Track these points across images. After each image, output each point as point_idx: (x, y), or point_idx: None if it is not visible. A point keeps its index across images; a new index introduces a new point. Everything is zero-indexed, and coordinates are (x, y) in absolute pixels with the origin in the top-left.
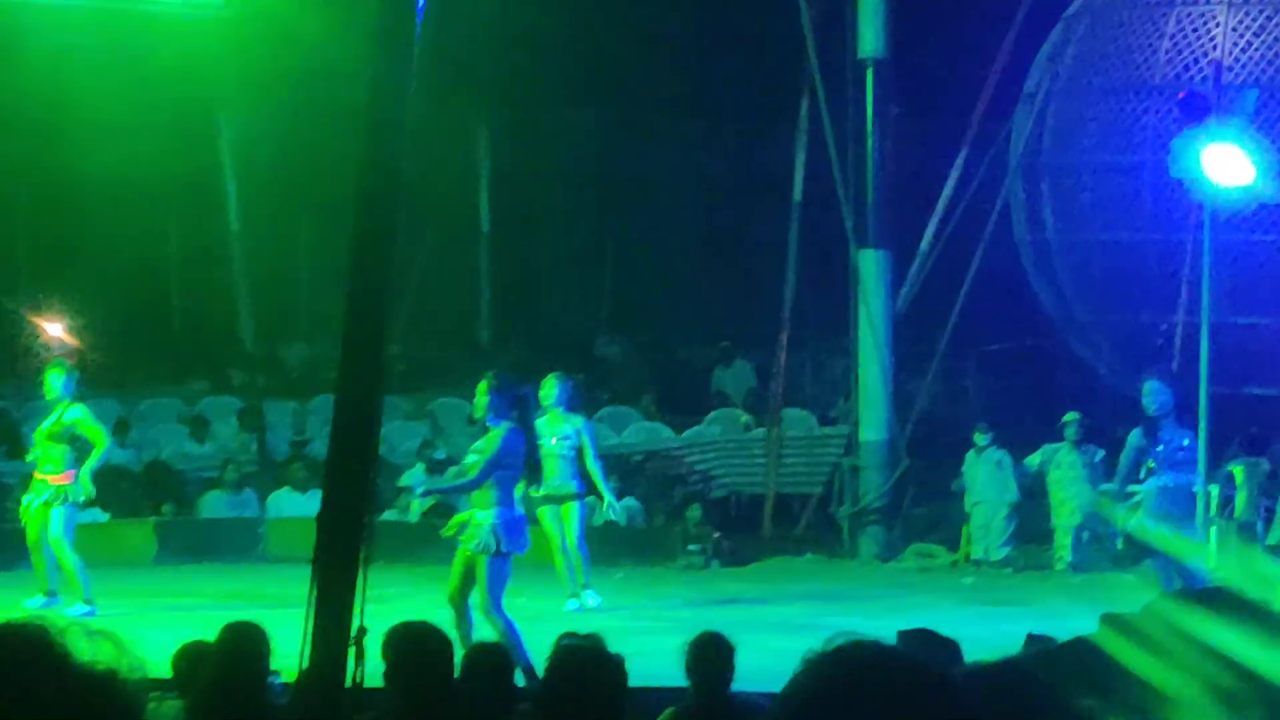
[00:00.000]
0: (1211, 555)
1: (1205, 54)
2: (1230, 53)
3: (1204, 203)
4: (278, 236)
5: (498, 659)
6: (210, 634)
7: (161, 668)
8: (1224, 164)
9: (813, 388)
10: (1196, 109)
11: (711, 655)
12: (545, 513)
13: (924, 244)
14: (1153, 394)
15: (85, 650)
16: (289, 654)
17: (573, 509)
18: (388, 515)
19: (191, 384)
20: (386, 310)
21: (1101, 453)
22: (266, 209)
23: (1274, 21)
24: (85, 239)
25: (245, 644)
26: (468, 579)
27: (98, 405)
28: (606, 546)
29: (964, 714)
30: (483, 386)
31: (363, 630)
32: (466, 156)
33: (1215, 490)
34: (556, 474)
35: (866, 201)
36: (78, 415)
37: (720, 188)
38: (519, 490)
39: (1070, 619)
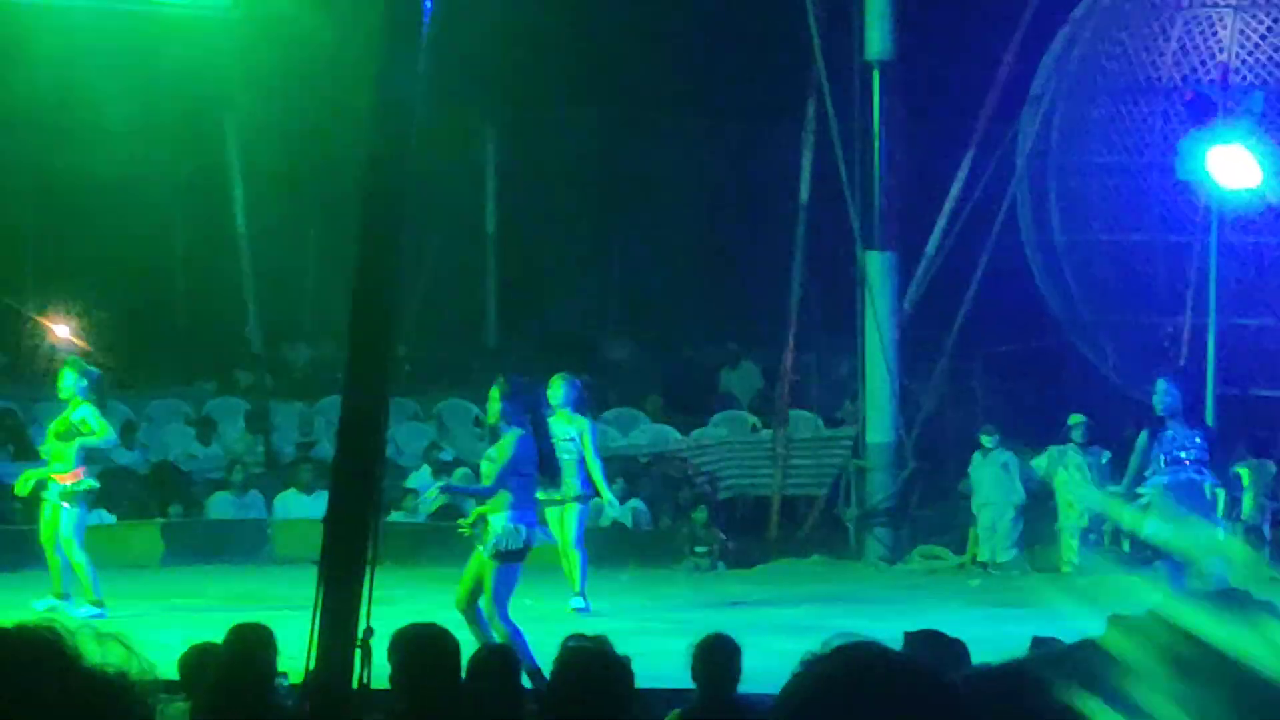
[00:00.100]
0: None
1: (1212, 56)
2: (1237, 55)
3: (1211, 204)
4: (284, 237)
5: (504, 660)
6: (217, 635)
7: (168, 669)
8: (1230, 166)
9: (819, 389)
10: (1203, 111)
11: (717, 657)
12: (549, 514)
13: (930, 246)
14: (1160, 393)
15: (95, 653)
16: (296, 655)
17: (573, 510)
18: (394, 517)
19: (198, 385)
20: (393, 311)
21: (1108, 454)
22: (273, 210)
23: None
24: (91, 240)
25: (252, 645)
26: (477, 585)
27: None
28: (613, 548)
29: (962, 717)
30: (495, 392)
31: (369, 632)
32: (473, 157)
33: (1222, 493)
34: (560, 475)
35: (873, 203)
36: (84, 414)
37: (727, 189)
38: (540, 494)
39: (1077, 621)
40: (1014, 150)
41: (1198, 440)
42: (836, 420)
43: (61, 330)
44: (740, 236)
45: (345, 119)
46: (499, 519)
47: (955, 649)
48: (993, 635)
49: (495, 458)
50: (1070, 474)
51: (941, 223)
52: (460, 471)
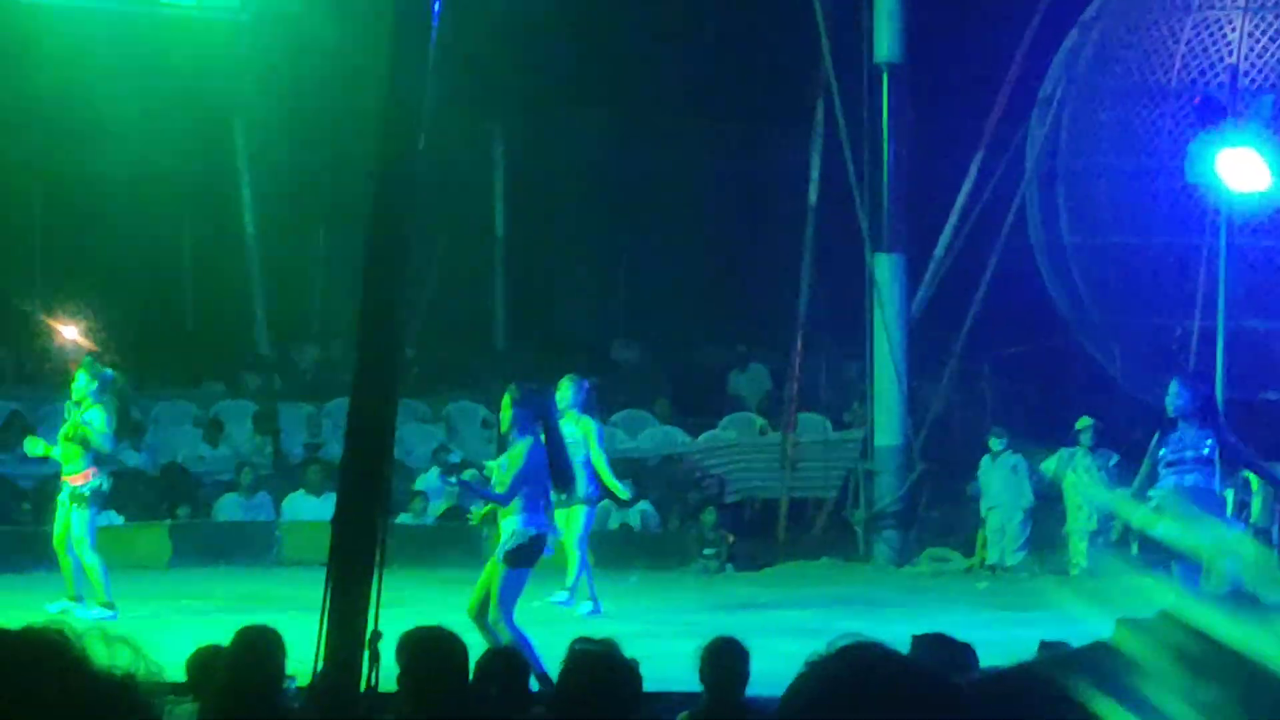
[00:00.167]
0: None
1: (1221, 59)
2: (1246, 57)
3: (1220, 207)
4: (292, 239)
5: (512, 663)
6: (225, 637)
7: (176, 671)
8: (1239, 169)
9: (828, 392)
10: (1213, 113)
11: (725, 660)
12: (557, 515)
13: (939, 248)
14: (1171, 395)
15: (103, 655)
16: (304, 658)
17: (580, 511)
18: (402, 518)
19: (206, 387)
20: (401, 314)
21: (1116, 457)
22: (281, 212)
23: None
24: (100, 242)
25: (260, 647)
26: (488, 594)
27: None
28: (621, 550)
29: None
30: (506, 400)
31: (377, 634)
32: (481, 160)
33: (1230, 494)
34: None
35: (881, 205)
36: (91, 416)
37: (736, 191)
38: (556, 499)
39: (1086, 624)
40: (1023, 152)
41: (1209, 442)
42: (845, 423)
43: (70, 331)
44: (749, 239)
45: (353, 121)
46: (509, 523)
47: (963, 652)
48: (1001, 638)
49: (507, 466)
50: (1079, 476)
51: (950, 225)
52: (469, 473)
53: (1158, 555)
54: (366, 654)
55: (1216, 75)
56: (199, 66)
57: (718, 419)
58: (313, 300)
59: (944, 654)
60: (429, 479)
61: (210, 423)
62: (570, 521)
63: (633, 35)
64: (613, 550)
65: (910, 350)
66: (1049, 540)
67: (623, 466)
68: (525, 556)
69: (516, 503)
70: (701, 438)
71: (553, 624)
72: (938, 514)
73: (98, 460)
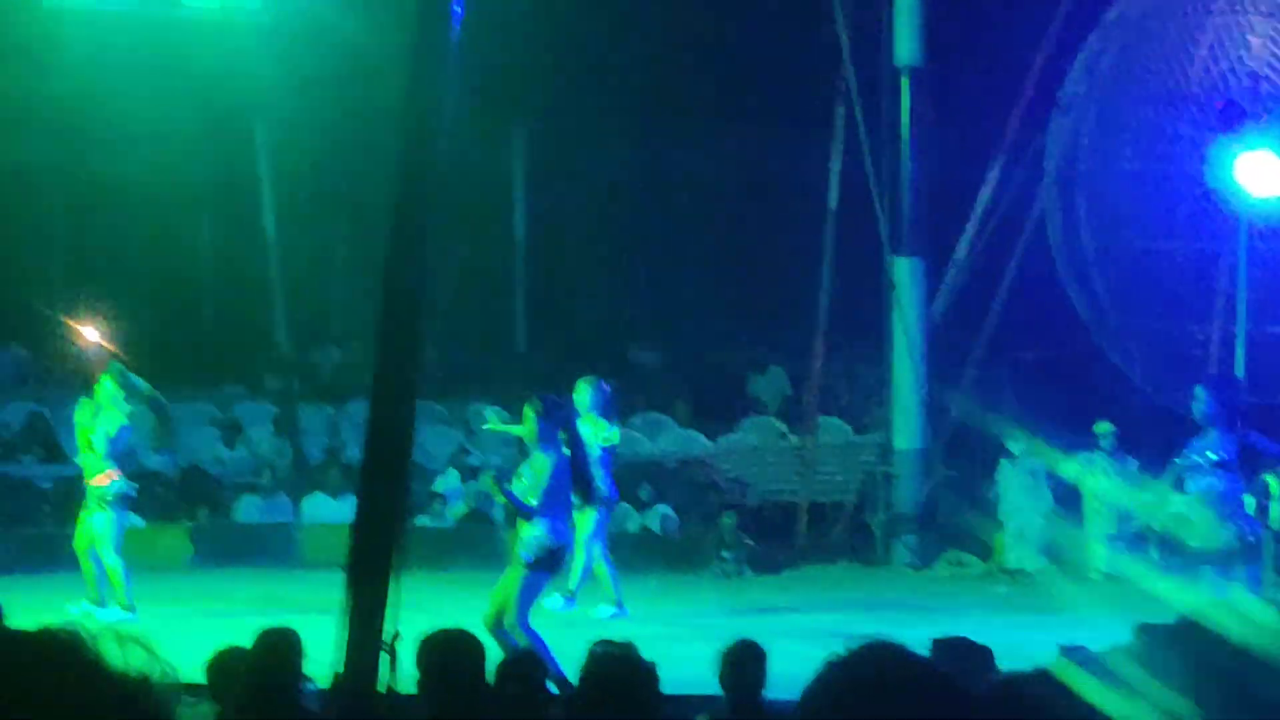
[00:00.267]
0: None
1: (1242, 63)
2: (1267, 62)
3: (1240, 212)
4: (313, 241)
5: (530, 666)
6: (244, 639)
7: (195, 673)
8: (1259, 173)
9: (847, 396)
10: (1233, 118)
11: (744, 663)
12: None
13: (959, 252)
14: (1196, 400)
15: (117, 656)
16: (323, 660)
17: (591, 513)
18: (422, 521)
19: (226, 389)
20: (421, 316)
21: (1135, 462)
22: (302, 213)
23: None
24: (121, 243)
25: (279, 650)
26: (507, 602)
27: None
28: (640, 554)
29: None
30: (529, 413)
31: (396, 636)
32: (502, 162)
33: (1250, 499)
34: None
35: (902, 209)
36: (109, 419)
37: (755, 194)
38: (585, 521)
39: (1104, 628)
40: (1043, 156)
41: (1231, 447)
42: (864, 426)
43: (90, 333)
44: (769, 242)
45: (375, 123)
46: (531, 529)
47: (982, 656)
48: (1020, 642)
49: (532, 481)
50: (1099, 479)
51: (970, 229)
52: (484, 477)
53: (1178, 559)
54: (385, 656)
55: (1238, 80)
56: (219, 68)
57: (737, 422)
58: (333, 302)
59: (963, 658)
60: (448, 481)
61: (227, 425)
62: (581, 521)
63: (653, 39)
64: (632, 553)
65: (930, 354)
66: (1068, 544)
67: (642, 470)
68: (546, 564)
69: (537, 515)
70: (721, 441)
71: (571, 627)
72: (957, 518)
73: (120, 462)
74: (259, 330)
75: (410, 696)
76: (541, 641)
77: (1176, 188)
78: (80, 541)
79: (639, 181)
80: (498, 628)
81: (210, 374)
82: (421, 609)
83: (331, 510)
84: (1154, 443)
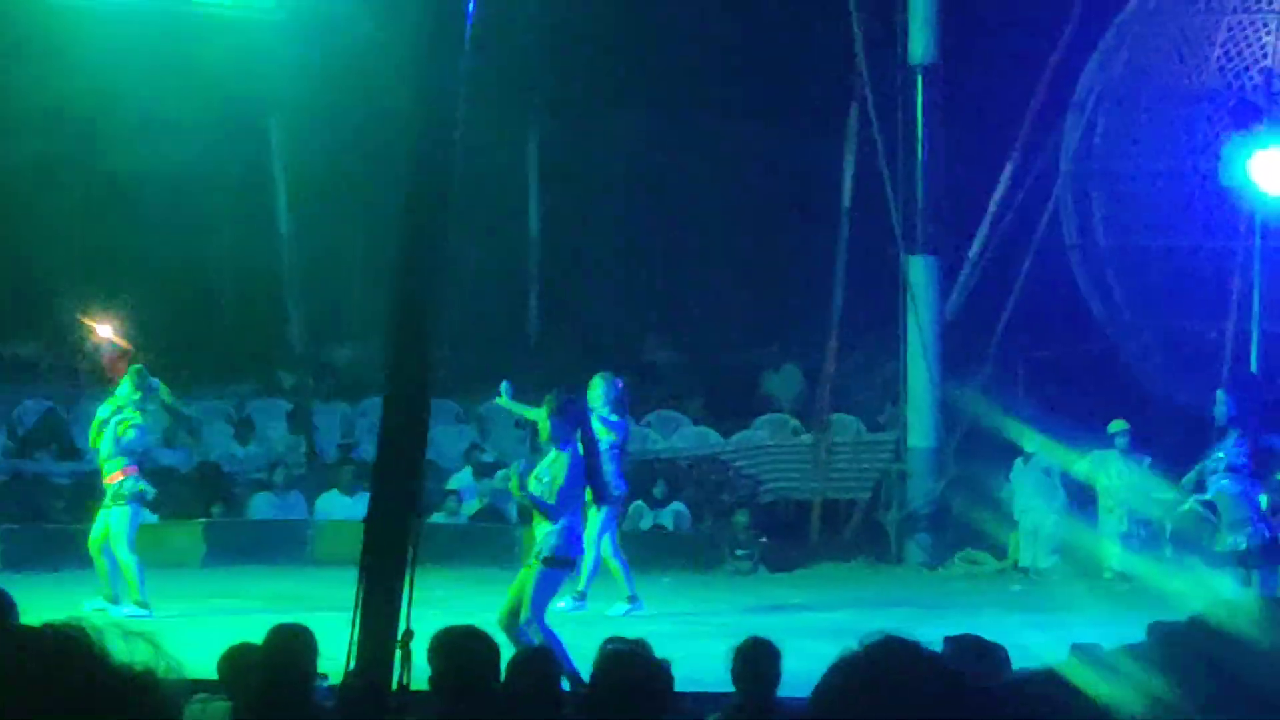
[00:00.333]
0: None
1: (1256, 61)
2: None
3: (1254, 209)
4: (327, 238)
5: (543, 663)
6: (257, 636)
7: (209, 669)
8: (1273, 171)
9: (861, 393)
10: (1248, 116)
11: (757, 660)
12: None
13: (973, 250)
14: (1217, 404)
15: (122, 651)
16: (336, 657)
17: (599, 510)
18: (435, 518)
19: (240, 385)
20: (434, 313)
21: (1149, 459)
22: (316, 211)
23: None
24: (136, 240)
25: (292, 646)
26: (520, 601)
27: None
28: (654, 551)
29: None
30: (543, 412)
31: (409, 634)
32: (516, 159)
33: (1265, 500)
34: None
35: (915, 207)
36: (123, 418)
37: (770, 192)
38: (593, 520)
39: (1117, 627)
40: (1057, 154)
41: (1245, 448)
42: (878, 424)
43: (104, 329)
44: (783, 240)
45: (388, 120)
46: (545, 526)
47: (995, 654)
48: (1033, 641)
49: (549, 480)
50: (1112, 480)
51: (984, 227)
52: (501, 472)
53: (1191, 558)
54: (399, 653)
55: (1252, 78)
56: (234, 65)
57: (751, 420)
58: (348, 299)
59: (976, 655)
60: (462, 478)
61: (240, 422)
62: (590, 518)
63: (667, 36)
64: (646, 551)
65: (943, 352)
66: (1081, 543)
67: (656, 467)
68: (562, 561)
69: (549, 516)
70: (734, 438)
71: (584, 624)
72: (970, 516)
73: (139, 461)
74: (273, 327)
75: (423, 694)
76: (556, 639)
77: (1191, 186)
78: (94, 539)
79: (652, 180)
80: (512, 625)
81: (224, 371)
82: (435, 606)
83: (345, 507)
84: (1168, 440)
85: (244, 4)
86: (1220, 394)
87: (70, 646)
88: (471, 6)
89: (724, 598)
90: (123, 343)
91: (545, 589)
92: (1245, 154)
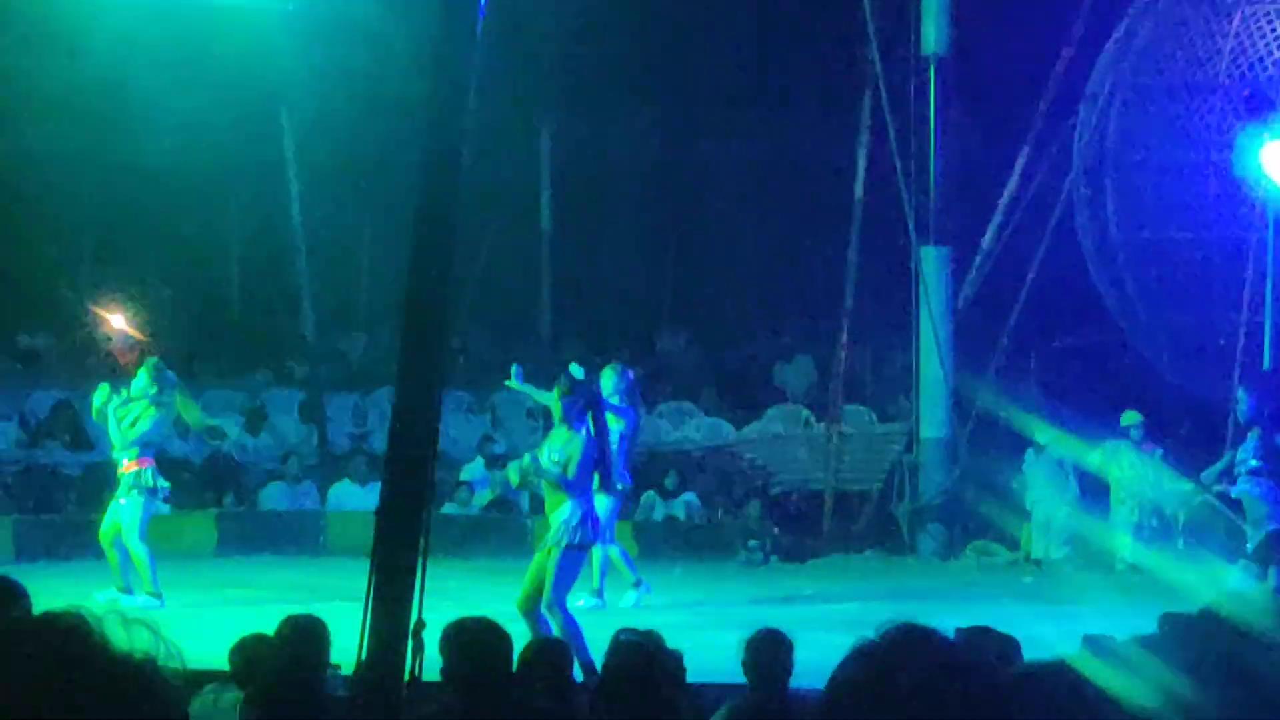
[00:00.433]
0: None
1: (1270, 53)
2: None
3: (1267, 200)
4: (339, 229)
5: (555, 654)
6: (270, 626)
7: (220, 659)
8: None
9: (873, 384)
10: (1260, 107)
11: (769, 651)
12: None
13: (986, 241)
14: (1238, 402)
15: (122, 638)
16: (348, 647)
17: (603, 500)
18: (447, 509)
19: (252, 376)
20: (446, 304)
21: (1160, 451)
22: (328, 201)
23: None
24: (147, 231)
25: (304, 636)
26: (540, 585)
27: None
28: (666, 542)
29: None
30: (555, 393)
31: (421, 624)
32: (528, 152)
33: None
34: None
35: (928, 198)
36: (139, 413)
37: (782, 183)
38: (600, 501)
39: (1129, 618)
40: (1070, 146)
41: (1262, 450)
42: (890, 415)
43: (117, 320)
44: (795, 230)
45: (400, 111)
46: (562, 512)
47: (1007, 645)
48: (1045, 632)
49: (563, 460)
50: (1124, 471)
51: (997, 218)
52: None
53: (1203, 549)
54: (410, 644)
55: (1265, 69)
56: (246, 55)
57: (763, 411)
58: (359, 289)
59: (988, 646)
60: (474, 469)
61: (251, 412)
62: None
63: (679, 28)
64: (657, 541)
65: (956, 343)
66: (1093, 534)
67: (667, 458)
68: (582, 546)
69: (565, 495)
70: (746, 429)
71: (596, 616)
72: (983, 507)
73: (156, 454)
74: (285, 317)
75: (435, 684)
76: (576, 625)
77: (1204, 177)
78: (105, 531)
79: (664, 171)
80: (532, 611)
81: (236, 361)
82: (447, 597)
83: (357, 498)
84: (1180, 431)
85: None
86: (1240, 393)
87: (69, 635)
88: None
89: (736, 589)
90: (135, 333)
91: (567, 573)
92: (1258, 145)
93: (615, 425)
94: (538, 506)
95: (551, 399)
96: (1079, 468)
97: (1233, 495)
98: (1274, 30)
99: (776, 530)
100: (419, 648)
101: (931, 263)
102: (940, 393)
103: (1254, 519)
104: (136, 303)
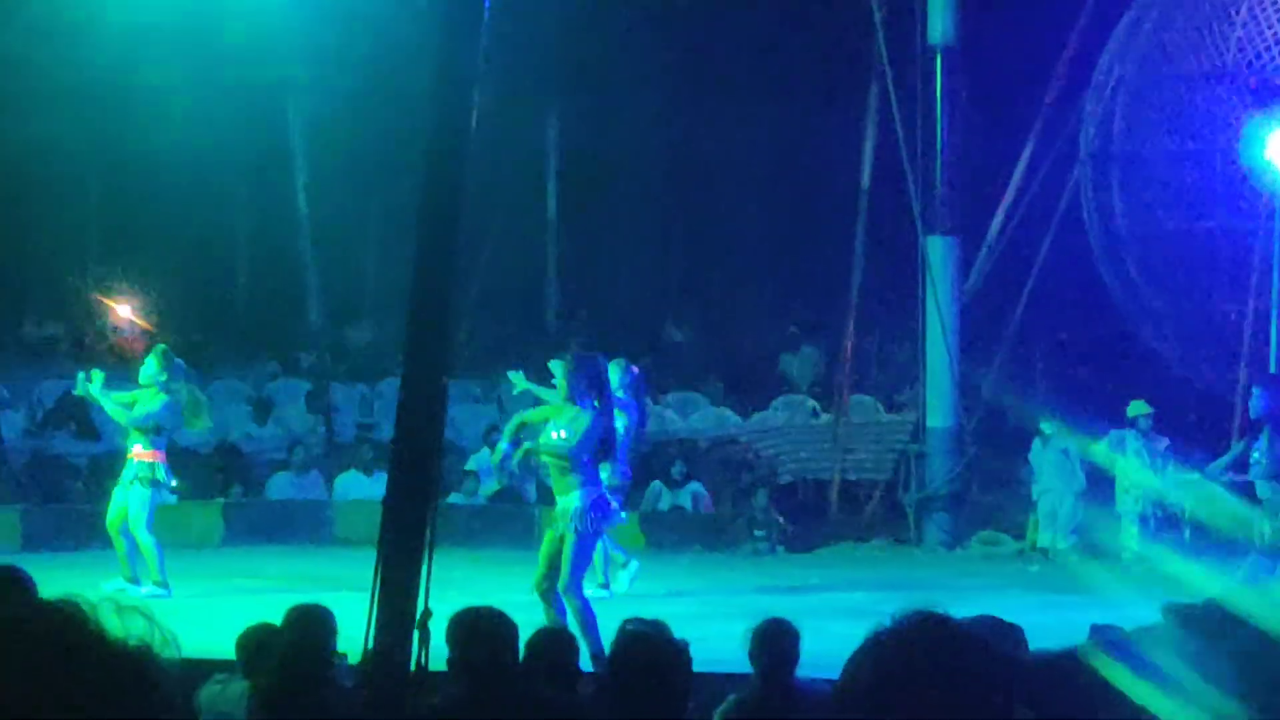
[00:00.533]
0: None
1: (1277, 41)
2: None
3: (1274, 189)
4: (346, 218)
5: (561, 643)
6: (276, 616)
7: (227, 649)
8: None
9: (880, 374)
10: (1268, 96)
11: (776, 641)
12: None
13: (992, 231)
14: (1252, 399)
15: (116, 625)
16: (354, 636)
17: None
18: (454, 498)
19: (259, 365)
20: (452, 294)
21: (1166, 441)
22: (335, 190)
23: None
24: (154, 220)
25: (311, 626)
26: (555, 565)
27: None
28: (672, 532)
29: (1026, 695)
30: (561, 370)
31: (427, 613)
32: (534, 141)
33: None
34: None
35: (935, 188)
36: (149, 399)
37: (788, 173)
38: (603, 470)
39: (1136, 608)
40: (1077, 135)
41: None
42: (897, 405)
43: (124, 309)
44: (801, 220)
45: (406, 100)
46: (574, 498)
47: (1013, 634)
48: (1051, 621)
49: (574, 433)
50: (1130, 460)
51: (1003, 208)
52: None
53: (1209, 541)
54: (416, 633)
55: (1273, 58)
56: (253, 44)
57: (769, 401)
58: (366, 279)
59: (993, 635)
60: (480, 459)
61: (258, 402)
62: None
63: (686, 16)
64: (664, 531)
65: (962, 333)
66: (1100, 524)
67: (674, 448)
68: (594, 524)
69: (577, 478)
70: (753, 419)
71: (602, 605)
72: (989, 497)
73: (168, 446)
74: (292, 307)
75: (441, 674)
76: (592, 613)
77: (1211, 166)
78: (112, 520)
79: (671, 160)
80: (550, 591)
81: (243, 351)
82: (453, 586)
83: (364, 487)
84: (1185, 422)
85: None
86: (1255, 390)
87: (64, 622)
88: None
89: (742, 578)
90: (142, 322)
91: (581, 557)
92: (1265, 134)
93: (619, 420)
94: (545, 497)
95: (557, 380)
96: (1085, 458)
97: (1260, 494)
98: None
99: (783, 520)
100: (425, 637)
101: (938, 253)
102: (947, 383)
103: (1273, 514)
104: (143, 292)
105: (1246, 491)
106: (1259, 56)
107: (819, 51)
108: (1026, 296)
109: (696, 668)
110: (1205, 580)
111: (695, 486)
